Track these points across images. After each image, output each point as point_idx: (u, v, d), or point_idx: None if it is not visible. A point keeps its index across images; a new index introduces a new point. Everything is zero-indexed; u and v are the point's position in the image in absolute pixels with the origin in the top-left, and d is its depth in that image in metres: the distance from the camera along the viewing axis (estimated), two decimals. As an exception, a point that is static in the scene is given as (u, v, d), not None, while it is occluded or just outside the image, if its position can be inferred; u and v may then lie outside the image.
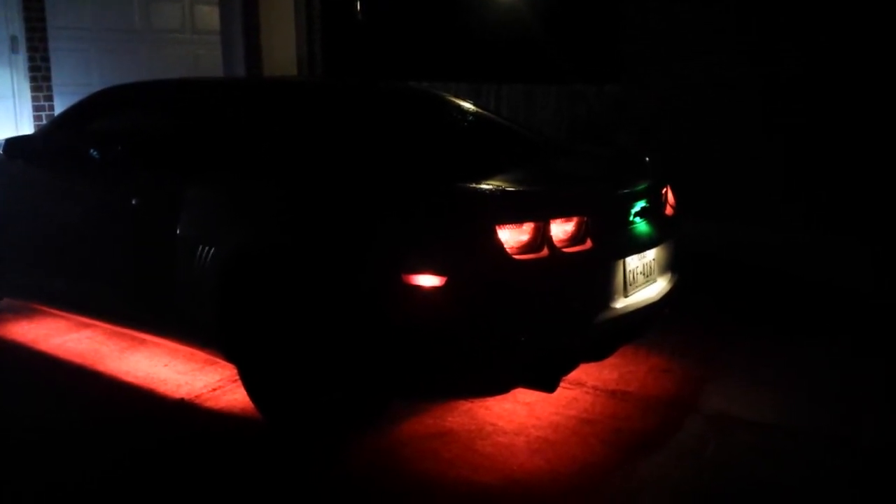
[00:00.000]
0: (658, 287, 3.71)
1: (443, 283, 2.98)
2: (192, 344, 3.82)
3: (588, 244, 3.25)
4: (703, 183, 7.16)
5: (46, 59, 7.52)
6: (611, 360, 3.96)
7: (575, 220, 3.23)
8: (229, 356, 3.57)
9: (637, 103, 7.86)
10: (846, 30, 6.81)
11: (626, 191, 3.62)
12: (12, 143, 4.52)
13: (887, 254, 6.21)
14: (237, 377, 3.61)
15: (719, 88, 7.39)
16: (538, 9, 11.40)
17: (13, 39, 7.31)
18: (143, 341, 4.40)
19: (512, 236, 3.04)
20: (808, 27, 6.94)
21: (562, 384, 3.61)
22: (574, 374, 3.75)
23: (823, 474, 3.14)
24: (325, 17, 10.72)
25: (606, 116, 9.03)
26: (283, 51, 10.15)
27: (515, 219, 3.07)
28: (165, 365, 4.16)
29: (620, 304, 3.43)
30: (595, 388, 3.85)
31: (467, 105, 4.65)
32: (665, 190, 3.95)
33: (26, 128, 7.40)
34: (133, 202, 3.82)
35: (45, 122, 7.32)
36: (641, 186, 3.68)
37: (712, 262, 6.02)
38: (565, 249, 3.17)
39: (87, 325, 4.64)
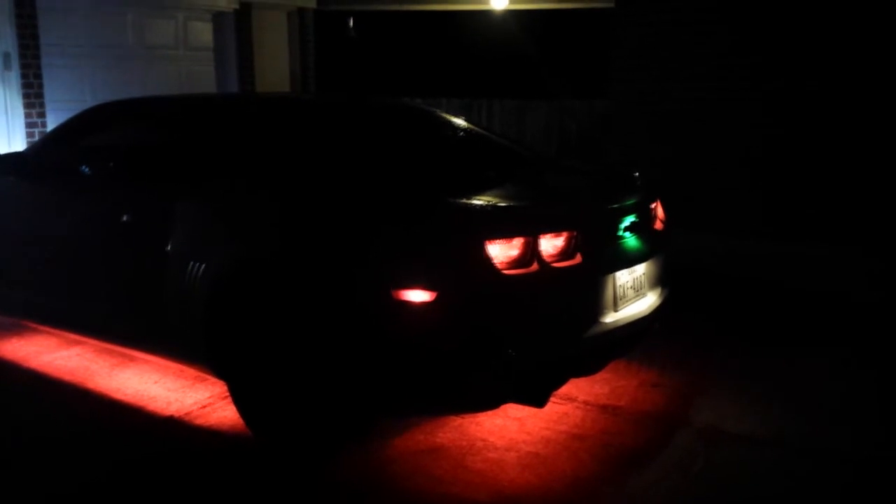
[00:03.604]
0: (648, 301, 3.72)
1: (433, 298, 2.99)
2: (182, 360, 3.82)
3: (578, 259, 3.26)
4: (694, 196, 7.20)
5: (39, 76, 7.53)
6: (601, 375, 3.97)
7: (564, 235, 3.24)
8: (218, 372, 3.57)
9: (627, 118, 7.92)
10: (836, 43, 6.89)
11: (615, 206, 3.63)
12: (4, 159, 4.53)
13: (876, 262, 6.25)
14: (227, 394, 3.60)
15: (709, 103, 7.46)
16: (529, 27, 11.48)
17: (6, 56, 7.33)
18: (132, 358, 4.39)
19: (502, 251, 3.05)
20: (798, 43, 7.03)
21: (552, 399, 3.62)
22: (565, 389, 3.76)
23: (813, 488, 3.14)
24: (318, 34, 10.77)
25: (595, 132, 9.09)
26: (276, 67, 10.20)
27: (505, 234, 3.08)
28: (155, 382, 4.15)
29: (610, 318, 3.43)
30: (586, 402, 3.85)
31: (458, 121, 4.68)
32: (654, 205, 3.97)
33: (19, 144, 7.40)
34: (124, 218, 3.82)
35: (37, 138, 7.32)
36: (631, 201, 3.70)
37: (702, 275, 6.04)
38: (555, 264, 3.18)
39: (77, 342, 4.63)
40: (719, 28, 7.34)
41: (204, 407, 3.83)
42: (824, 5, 6.89)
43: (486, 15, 11.19)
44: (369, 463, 3.29)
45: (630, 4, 7.78)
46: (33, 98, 7.53)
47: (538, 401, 3.24)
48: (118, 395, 4.01)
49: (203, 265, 3.49)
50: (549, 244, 3.19)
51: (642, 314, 3.62)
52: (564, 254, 3.23)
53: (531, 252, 3.11)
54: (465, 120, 4.76)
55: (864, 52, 6.77)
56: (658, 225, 3.98)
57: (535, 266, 3.11)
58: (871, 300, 5.52)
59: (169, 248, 3.62)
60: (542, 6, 10.58)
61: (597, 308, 3.38)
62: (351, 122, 4.38)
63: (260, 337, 3.37)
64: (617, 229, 3.55)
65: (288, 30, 10.39)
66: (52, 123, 7.45)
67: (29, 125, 7.49)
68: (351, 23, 12.16)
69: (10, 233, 4.47)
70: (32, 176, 4.43)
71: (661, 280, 3.87)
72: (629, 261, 3.56)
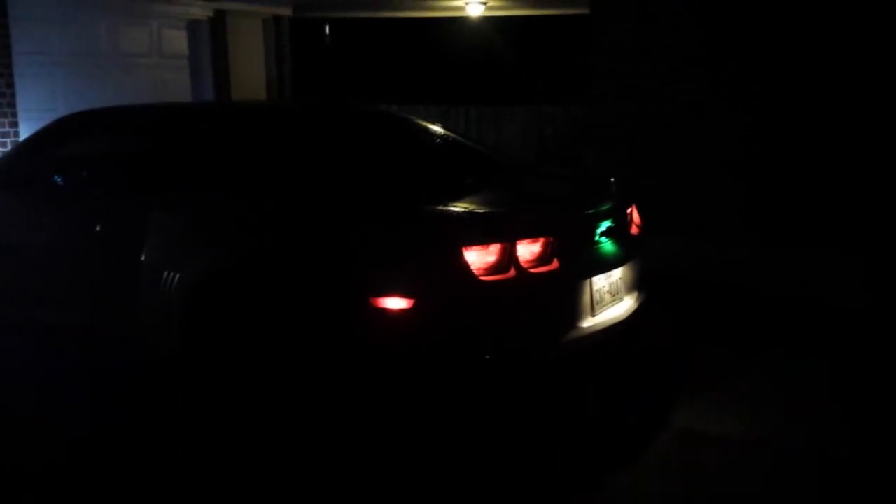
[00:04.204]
0: (625, 306, 3.74)
1: (410, 305, 2.99)
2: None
3: (554, 264, 3.27)
4: (671, 200, 7.25)
5: (11, 85, 7.44)
6: (579, 378, 3.97)
7: (541, 240, 3.25)
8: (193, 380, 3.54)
9: (604, 123, 7.95)
10: (814, 47, 6.96)
11: (591, 211, 3.65)
12: (-25, 169, 4.46)
13: (857, 265, 6.30)
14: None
15: (687, 107, 7.51)
16: (506, 33, 11.53)
17: (-24, 66, 7.24)
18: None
19: (479, 258, 3.06)
20: (776, 46, 7.10)
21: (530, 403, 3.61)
22: (543, 393, 3.76)
23: (792, 488, 3.16)
24: (294, 41, 10.74)
25: (572, 137, 9.12)
26: (251, 74, 10.15)
27: (482, 240, 3.08)
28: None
29: (588, 323, 3.45)
30: (564, 405, 3.85)
31: (435, 127, 4.68)
32: (630, 209, 4.00)
33: (-10, 154, 7.31)
34: (97, 228, 3.78)
35: (9, 148, 7.23)
36: (607, 206, 3.72)
37: (679, 281, 6.07)
38: (532, 270, 3.19)
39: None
40: (696, 32, 7.38)
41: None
42: (803, 9, 6.96)
43: (463, 22, 11.23)
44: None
45: (606, 9, 7.82)
46: (6, 107, 7.43)
47: (516, 405, 3.24)
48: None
49: (178, 274, 3.46)
50: (527, 250, 3.20)
51: (619, 318, 3.64)
52: (541, 259, 3.25)
53: (508, 258, 3.12)
54: (443, 127, 4.76)
55: (843, 56, 6.85)
56: (634, 230, 4.00)
57: (512, 272, 3.12)
58: (852, 305, 5.55)
59: (143, 257, 3.59)
60: (518, 13, 10.63)
61: (574, 313, 3.39)
62: (328, 129, 4.36)
63: (235, 345, 3.35)
64: (593, 234, 3.57)
65: (263, 37, 10.35)
66: (24, 133, 7.35)
67: (1, 135, 7.40)
68: (327, 30, 12.14)
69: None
70: (4, 186, 4.37)
71: (637, 284, 3.90)
72: (606, 266, 3.57)
